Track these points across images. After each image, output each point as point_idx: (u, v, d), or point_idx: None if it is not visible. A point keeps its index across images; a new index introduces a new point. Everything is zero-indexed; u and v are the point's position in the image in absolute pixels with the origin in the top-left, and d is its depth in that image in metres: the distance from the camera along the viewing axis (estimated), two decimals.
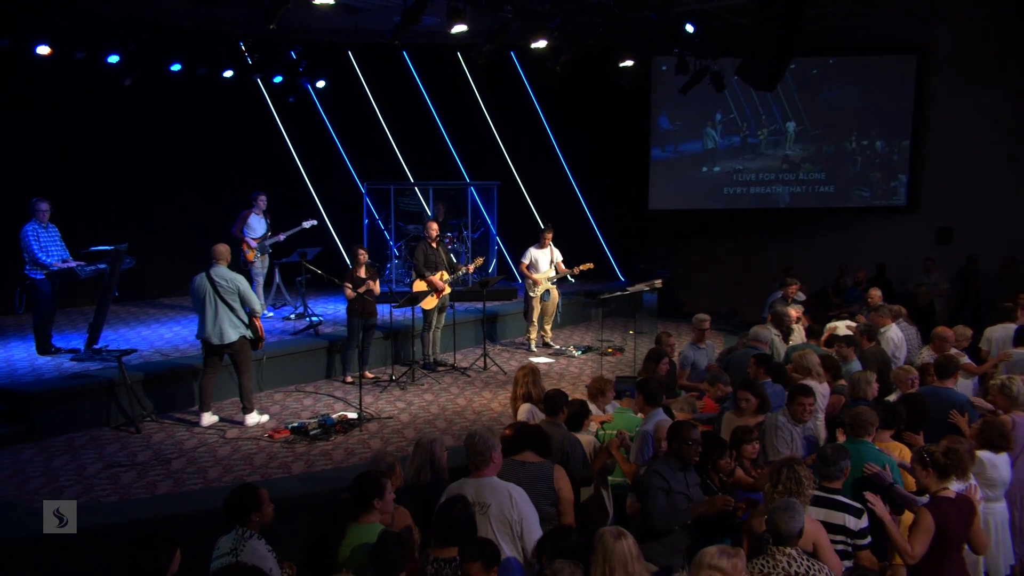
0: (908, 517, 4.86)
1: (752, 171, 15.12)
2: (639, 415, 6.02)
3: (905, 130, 14.65)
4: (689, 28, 11.54)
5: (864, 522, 4.49)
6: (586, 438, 5.62)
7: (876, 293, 10.10)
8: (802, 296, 10.87)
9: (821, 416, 6.25)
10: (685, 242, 15.89)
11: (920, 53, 14.42)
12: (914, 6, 13.35)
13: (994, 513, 5.44)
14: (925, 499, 4.67)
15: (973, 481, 4.99)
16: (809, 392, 5.66)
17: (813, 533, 4.19)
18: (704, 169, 15.23)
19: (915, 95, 14.52)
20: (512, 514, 4.32)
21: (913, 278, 13.64)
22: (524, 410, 5.90)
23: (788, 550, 3.85)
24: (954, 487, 4.66)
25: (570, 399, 5.69)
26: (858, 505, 4.54)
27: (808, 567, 3.83)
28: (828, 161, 14.97)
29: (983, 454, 5.39)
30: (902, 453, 5.53)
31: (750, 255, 15.53)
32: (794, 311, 9.32)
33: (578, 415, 5.65)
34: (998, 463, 5.39)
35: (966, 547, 4.68)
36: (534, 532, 4.32)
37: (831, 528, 4.42)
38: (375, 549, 3.81)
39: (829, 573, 3.82)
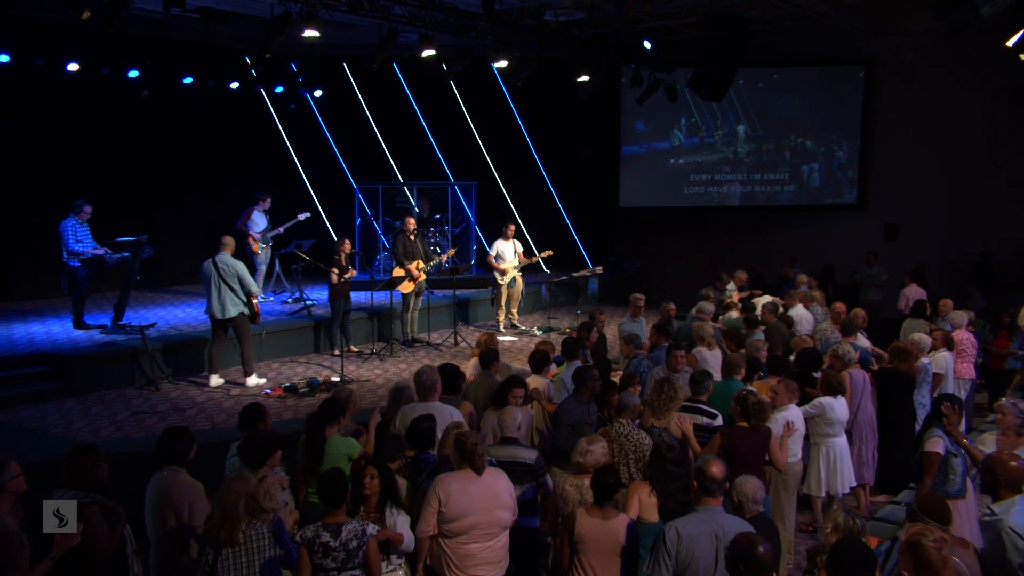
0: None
1: (708, 170, 16.45)
2: None
3: (854, 134, 15.73)
4: (647, 44, 12.90)
5: (717, 422, 6.21)
6: (543, 381, 7.04)
7: (803, 279, 11.64)
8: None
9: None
10: (654, 237, 17.04)
11: (869, 64, 15.52)
12: (862, 22, 14.59)
13: (834, 446, 6.91)
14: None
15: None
16: (679, 347, 7.21)
17: (681, 425, 5.92)
18: (671, 161, 16.54)
19: (863, 102, 15.58)
20: None
21: (859, 270, 15.06)
22: (472, 364, 7.40)
23: (621, 419, 5.61)
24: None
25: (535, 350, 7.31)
26: (714, 411, 6.28)
27: (630, 431, 5.54)
28: (782, 162, 16.24)
29: (824, 399, 6.85)
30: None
31: (715, 249, 16.53)
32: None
33: (541, 361, 7.15)
34: (835, 406, 6.85)
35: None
36: None
37: (697, 428, 6.10)
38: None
39: (648, 443, 5.37)
